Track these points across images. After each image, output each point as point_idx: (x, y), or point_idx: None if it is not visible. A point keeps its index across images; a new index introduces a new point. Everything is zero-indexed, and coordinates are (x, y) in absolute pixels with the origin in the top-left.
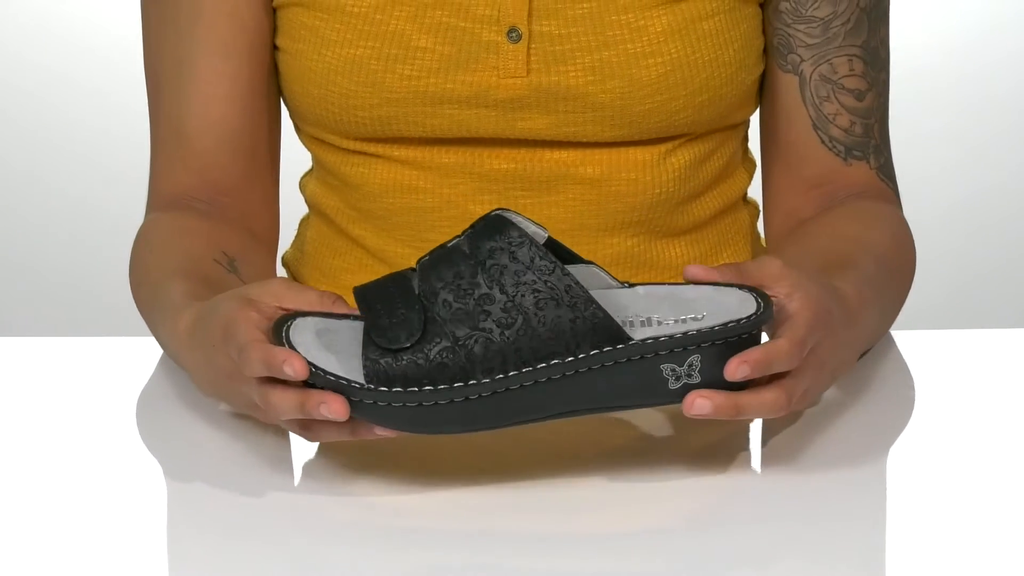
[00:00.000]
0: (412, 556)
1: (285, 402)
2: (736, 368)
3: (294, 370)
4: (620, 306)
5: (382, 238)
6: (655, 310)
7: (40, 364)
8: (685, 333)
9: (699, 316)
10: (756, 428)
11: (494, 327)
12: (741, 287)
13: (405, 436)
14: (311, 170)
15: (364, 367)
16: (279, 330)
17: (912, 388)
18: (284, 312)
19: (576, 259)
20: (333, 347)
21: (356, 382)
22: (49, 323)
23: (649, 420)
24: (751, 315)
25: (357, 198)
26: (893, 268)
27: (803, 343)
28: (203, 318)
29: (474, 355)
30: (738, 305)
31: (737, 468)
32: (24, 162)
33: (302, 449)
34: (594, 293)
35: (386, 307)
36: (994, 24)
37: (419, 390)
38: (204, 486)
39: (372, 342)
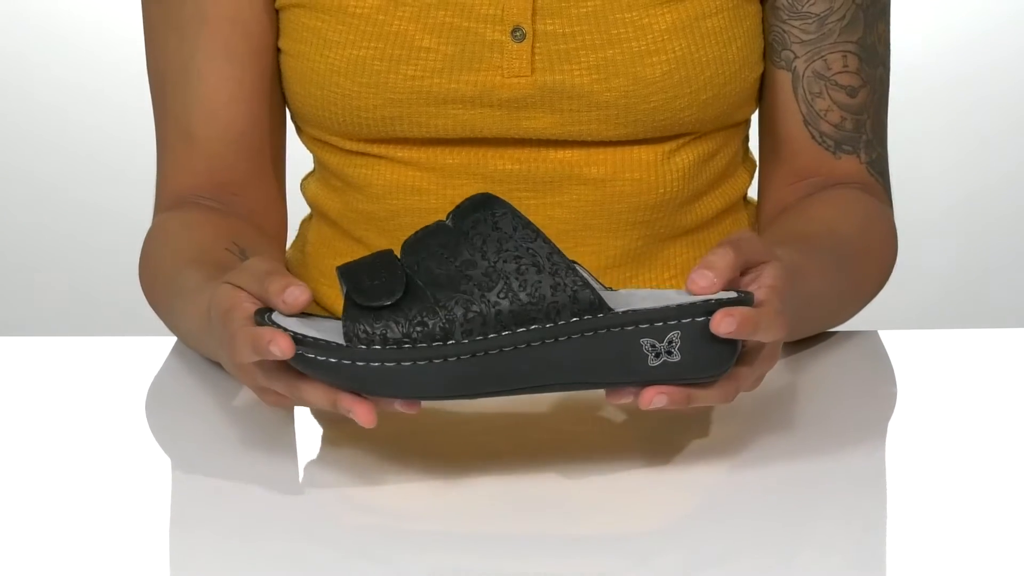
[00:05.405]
0: (414, 556)
1: (316, 396)
2: (721, 320)
3: (281, 350)
4: None
5: (385, 239)
6: (636, 306)
7: (40, 364)
8: (665, 306)
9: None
10: (753, 426)
11: (475, 290)
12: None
13: (406, 434)
14: (312, 172)
15: (344, 328)
16: (261, 317)
17: (914, 387)
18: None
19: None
20: (316, 328)
21: (335, 342)
22: (49, 323)
23: (643, 420)
24: (734, 296)
25: (360, 200)
26: (853, 251)
27: (782, 312)
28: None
29: (454, 316)
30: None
31: (729, 467)
32: (25, 162)
33: (305, 450)
34: None
35: (368, 273)
36: (993, 24)
37: (399, 348)
38: (207, 488)
39: (353, 304)
